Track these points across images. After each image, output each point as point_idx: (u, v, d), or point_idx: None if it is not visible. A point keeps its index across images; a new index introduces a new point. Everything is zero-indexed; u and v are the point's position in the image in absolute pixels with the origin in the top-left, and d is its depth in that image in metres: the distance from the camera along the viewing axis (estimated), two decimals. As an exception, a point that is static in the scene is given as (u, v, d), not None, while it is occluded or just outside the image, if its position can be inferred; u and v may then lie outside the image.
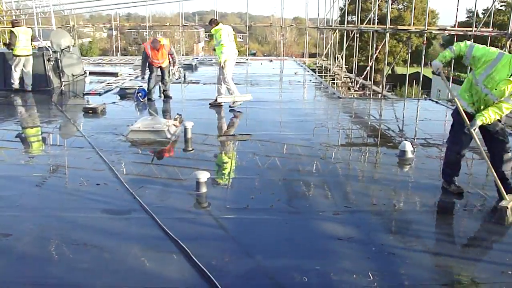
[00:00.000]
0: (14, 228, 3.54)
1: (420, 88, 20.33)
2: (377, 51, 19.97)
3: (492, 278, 2.91)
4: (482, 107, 3.98)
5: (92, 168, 4.98)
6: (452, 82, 15.86)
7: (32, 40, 10.24)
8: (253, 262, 3.07)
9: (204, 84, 12.09)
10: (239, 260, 3.11)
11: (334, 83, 20.40)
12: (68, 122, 7.37)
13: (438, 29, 19.15)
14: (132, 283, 2.84)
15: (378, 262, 3.08)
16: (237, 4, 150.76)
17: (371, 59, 18.78)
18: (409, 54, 17.13)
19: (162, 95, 9.55)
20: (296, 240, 3.39)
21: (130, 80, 11.91)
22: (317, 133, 6.97)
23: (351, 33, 20.40)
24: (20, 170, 5.03)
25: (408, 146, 5.41)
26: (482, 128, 4.03)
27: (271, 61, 20.86)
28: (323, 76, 19.39)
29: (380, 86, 18.23)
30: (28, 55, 9.98)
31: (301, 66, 18.67)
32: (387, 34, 15.33)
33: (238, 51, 9.36)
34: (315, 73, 18.04)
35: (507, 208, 3.83)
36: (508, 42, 11.66)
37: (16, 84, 10.02)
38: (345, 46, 20.64)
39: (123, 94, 9.84)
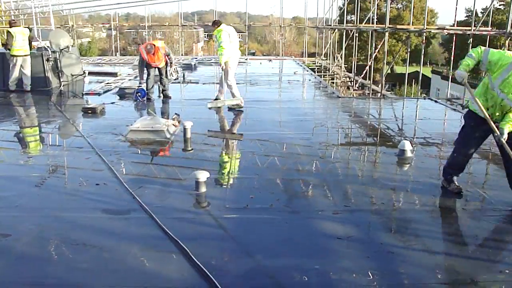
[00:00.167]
0: (13, 228, 3.54)
1: (419, 87, 20.33)
2: (376, 50, 19.99)
3: (491, 277, 2.92)
4: (497, 113, 3.91)
5: (92, 168, 4.97)
6: (451, 82, 15.82)
7: (30, 40, 10.22)
8: (252, 261, 3.08)
9: (203, 84, 12.07)
10: (238, 259, 3.11)
11: (333, 82, 20.39)
12: (67, 122, 7.36)
13: (437, 28, 19.18)
14: (131, 283, 2.84)
15: (378, 261, 3.08)
16: (236, 4, 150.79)
17: (370, 59, 18.80)
18: (408, 53, 17.12)
19: (162, 95, 9.55)
20: (295, 240, 3.39)
21: (129, 80, 11.91)
22: (317, 133, 6.97)
23: (350, 32, 20.40)
24: (19, 170, 5.03)
25: (407, 145, 5.42)
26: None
27: (270, 60, 20.86)
28: (322, 76, 19.38)
29: (380, 85, 18.21)
30: (25, 55, 9.96)
31: (300, 65, 18.68)
32: (386, 34, 15.32)
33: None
34: (314, 72, 18.05)
35: None
36: (507, 41, 11.65)
37: (12, 85, 10.00)
38: (344, 45, 20.64)
39: (122, 94, 9.84)
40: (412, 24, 16.33)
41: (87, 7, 34.63)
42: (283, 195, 4.26)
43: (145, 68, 9.14)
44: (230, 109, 8.28)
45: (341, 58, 21.38)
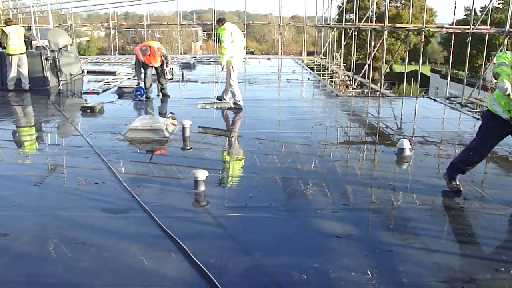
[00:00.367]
0: (12, 227, 3.54)
1: (418, 86, 20.33)
2: (375, 49, 20.00)
3: (489, 275, 2.92)
4: None
5: (91, 167, 4.97)
6: (450, 80, 15.85)
7: (27, 39, 10.18)
8: (252, 260, 3.08)
9: (202, 82, 12.07)
10: (238, 258, 3.11)
11: (332, 81, 20.41)
12: (66, 121, 7.36)
13: (436, 27, 19.18)
14: (130, 281, 2.84)
15: (377, 259, 3.09)
16: (235, 3, 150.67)
17: (369, 57, 18.80)
18: (407, 52, 17.12)
19: (160, 93, 9.54)
20: (294, 238, 3.39)
21: (128, 79, 11.90)
22: (316, 131, 6.97)
23: (349, 31, 20.39)
24: (18, 169, 5.02)
25: (406, 144, 5.42)
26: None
27: (269, 59, 20.83)
28: (321, 74, 19.40)
29: (378, 84, 18.23)
30: (21, 54, 9.93)
31: (299, 64, 18.66)
32: (385, 32, 15.35)
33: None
34: (313, 71, 18.03)
35: None
36: (506, 40, 11.67)
37: (10, 85, 9.98)
38: (343, 44, 20.64)
39: (121, 93, 9.83)
40: (411, 23, 16.38)
41: (85, 6, 34.58)
42: (282, 193, 4.26)
43: (142, 68, 9.12)
44: (229, 108, 8.27)
45: (340, 56, 21.39)
